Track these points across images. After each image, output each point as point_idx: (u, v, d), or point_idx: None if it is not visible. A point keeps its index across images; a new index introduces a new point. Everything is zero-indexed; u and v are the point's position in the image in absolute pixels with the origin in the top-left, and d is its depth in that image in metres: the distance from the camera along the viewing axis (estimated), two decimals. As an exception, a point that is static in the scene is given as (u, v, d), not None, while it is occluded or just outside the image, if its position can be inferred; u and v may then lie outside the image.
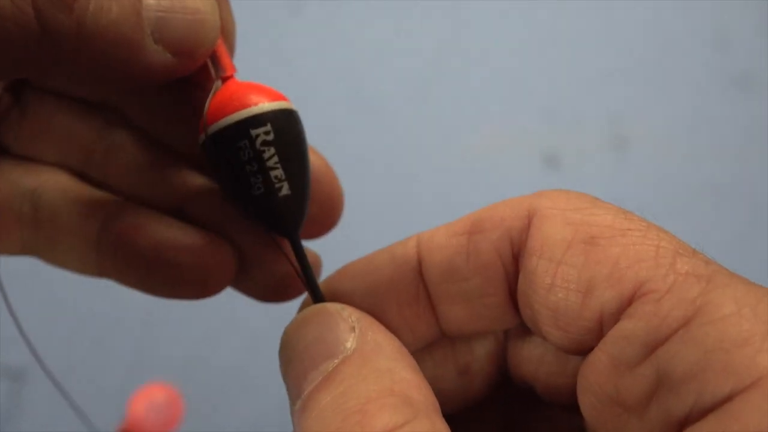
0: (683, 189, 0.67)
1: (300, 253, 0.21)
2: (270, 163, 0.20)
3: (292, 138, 0.20)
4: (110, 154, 0.23)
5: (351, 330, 0.18)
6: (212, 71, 0.21)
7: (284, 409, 0.18)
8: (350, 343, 0.18)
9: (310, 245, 0.24)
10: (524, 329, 0.21)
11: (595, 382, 0.17)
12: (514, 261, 0.19)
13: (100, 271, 0.23)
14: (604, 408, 0.17)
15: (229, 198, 0.22)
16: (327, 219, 0.24)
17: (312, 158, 0.22)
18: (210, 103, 0.20)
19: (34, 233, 0.22)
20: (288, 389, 0.19)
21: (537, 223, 0.18)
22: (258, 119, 0.20)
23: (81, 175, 0.23)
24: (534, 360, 0.21)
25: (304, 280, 0.21)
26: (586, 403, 0.18)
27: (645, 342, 0.16)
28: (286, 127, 0.20)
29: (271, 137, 0.20)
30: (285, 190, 0.20)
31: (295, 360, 0.18)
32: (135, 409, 0.53)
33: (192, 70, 0.20)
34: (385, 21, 0.71)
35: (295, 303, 0.22)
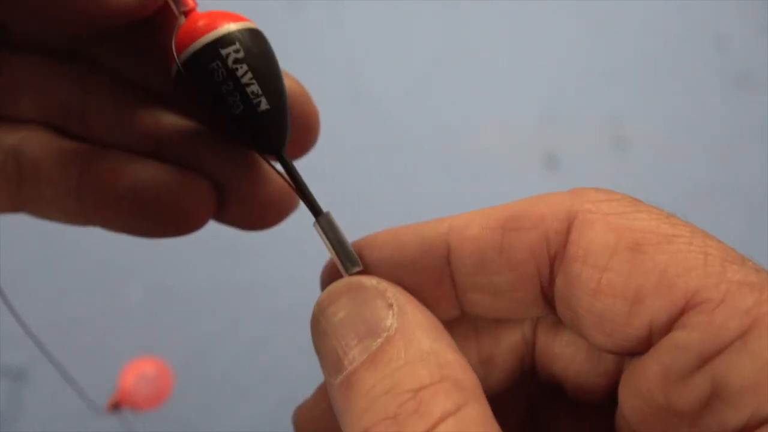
0: (683, 189, 0.67)
1: (290, 168, 0.21)
2: (245, 80, 0.20)
3: (262, 54, 0.20)
4: (87, 105, 0.23)
5: (389, 307, 0.18)
6: (174, 9, 0.21)
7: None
8: (390, 321, 0.18)
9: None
10: (554, 326, 0.21)
11: (645, 388, 0.17)
12: (548, 262, 0.18)
13: (84, 219, 0.23)
14: (653, 413, 0.17)
15: (211, 125, 0.22)
16: (304, 140, 0.23)
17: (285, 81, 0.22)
18: (176, 36, 0.20)
19: (18, 189, 0.22)
20: (323, 362, 0.18)
21: (579, 227, 0.18)
22: (226, 39, 0.20)
23: (61, 131, 0.23)
24: (565, 358, 0.20)
25: (299, 193, 0.21)
26: (631, 406, 0.17)
27: (699, 353, 0.16)
28: (255, 44, 0.20)
29: (241, 54, 0.20)
30: (264, 104, 0.20)
31: (332, 333, 0.18)
32: (125, 381, 0.53)
33: (154, 9, 0.20)
34: (386, 20, 0.71)
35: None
